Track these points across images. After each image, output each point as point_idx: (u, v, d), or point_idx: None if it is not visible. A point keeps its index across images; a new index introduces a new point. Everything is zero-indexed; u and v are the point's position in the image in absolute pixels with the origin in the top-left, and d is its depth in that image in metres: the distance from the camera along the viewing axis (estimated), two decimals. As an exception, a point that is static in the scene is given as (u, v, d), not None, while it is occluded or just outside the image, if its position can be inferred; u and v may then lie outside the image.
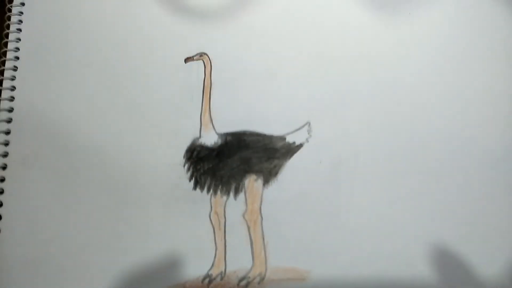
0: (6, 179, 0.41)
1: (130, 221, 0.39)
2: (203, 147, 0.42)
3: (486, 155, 0.41)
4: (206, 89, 0.44)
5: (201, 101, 0.43)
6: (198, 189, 0.40)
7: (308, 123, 0.43)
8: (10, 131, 0.43)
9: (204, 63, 0.45)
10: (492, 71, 0.44)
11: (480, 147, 0.42)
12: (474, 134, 0.42)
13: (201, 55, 0.45)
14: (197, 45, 0.45)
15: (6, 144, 0.42)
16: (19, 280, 0.37)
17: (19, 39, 0.45)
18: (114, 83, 0.44)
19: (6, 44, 0.45)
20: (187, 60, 0.45)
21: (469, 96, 0.43)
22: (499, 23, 0.45)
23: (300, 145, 0.42)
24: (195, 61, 0.45)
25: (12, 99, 0.43)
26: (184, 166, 0.41)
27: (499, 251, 0.39)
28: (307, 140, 0.42)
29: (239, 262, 0.37)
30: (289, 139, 0.42)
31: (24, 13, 0.46)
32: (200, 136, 0.42)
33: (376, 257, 0.38)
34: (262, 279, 0.36)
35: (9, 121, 0.43)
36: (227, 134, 0.42)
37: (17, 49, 0.45)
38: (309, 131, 0.42)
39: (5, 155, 0.42)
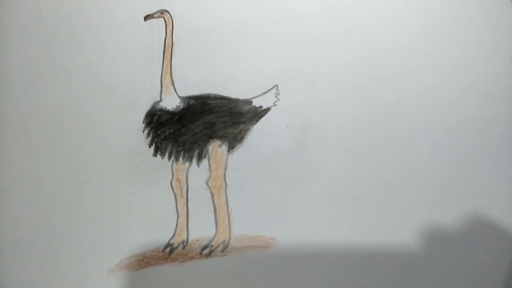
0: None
1: (88, 189, 0.37)
2: (164, 111, 0.39)
3: (458, 121, 0.41)
4: (167, 49, 0.41)
5: (161, 62, 0.40)
6: (158, 156, 0.38)
7: (276, 86, 0.40)
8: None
9: (165, 21, 0.41)
10: (468, 39, 0.42)
11: (453, 113, 0.41)
12: (447, 100, 0.41)
13: (162, 12, 0.42)
14: (157, 1, 0.42)
15: None
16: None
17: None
18: (69, 42, 0.40)
19: None
20: (147, 17, 0.41)
21: (444, 61, 0.42)
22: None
23: (267, 109, 0.40)
24: (155, 19, 0.41)
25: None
26: (143, 131, 0.39)
27: (467, 205, 0.39)
28: (274, 104, 0.40)
29: (202, 230, 0.36)
30: (256, 103, 0.40)
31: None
32: (160, 100, 0.40)
33: (342, 224, 0.37)
34: (226, 247, 0.35)
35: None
36: (189, 98, 0.40)
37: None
38: (276, 95, 0.40)
39: None
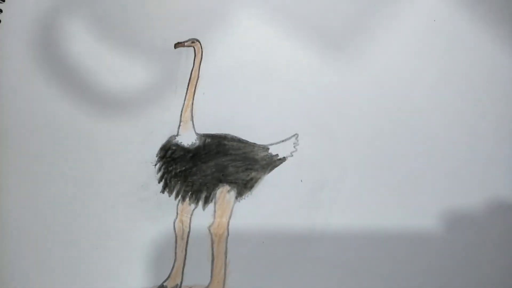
0: None
1: (92, 217, 0.37)
2: (178, 147, 0.39)
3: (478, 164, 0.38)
4: (192, 82, 0.40)
5: (184, 95, 0.40)
6: (166, 193, 0.38)
7: (296, 136, 0.39)
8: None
9: (195, 50, 0.41)
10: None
11: (474, 156, 0.38)
12: (470, 148, 0.38)
13: (193, 41, 0.41)
14: (190, 30, 0.41)
15: None
16: None
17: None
18: (94, 61, 0.40)
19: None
20: (177, 45, 0.41)
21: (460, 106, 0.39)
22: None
23: (283, 159, 0.38)
24: (185, 48, 0.41)
25: None
26: (155, 165, 0.38)
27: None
28: (291, 154, 0.39)
29: (196, 278, 0.35)
30: (273, 150, 0.39)
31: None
32: (177, 134, 0.39)
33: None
34: (217, 300, 0.35)
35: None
36: (206, 136, 0.39)
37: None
38: (295, 145, 0.39)
39: None
